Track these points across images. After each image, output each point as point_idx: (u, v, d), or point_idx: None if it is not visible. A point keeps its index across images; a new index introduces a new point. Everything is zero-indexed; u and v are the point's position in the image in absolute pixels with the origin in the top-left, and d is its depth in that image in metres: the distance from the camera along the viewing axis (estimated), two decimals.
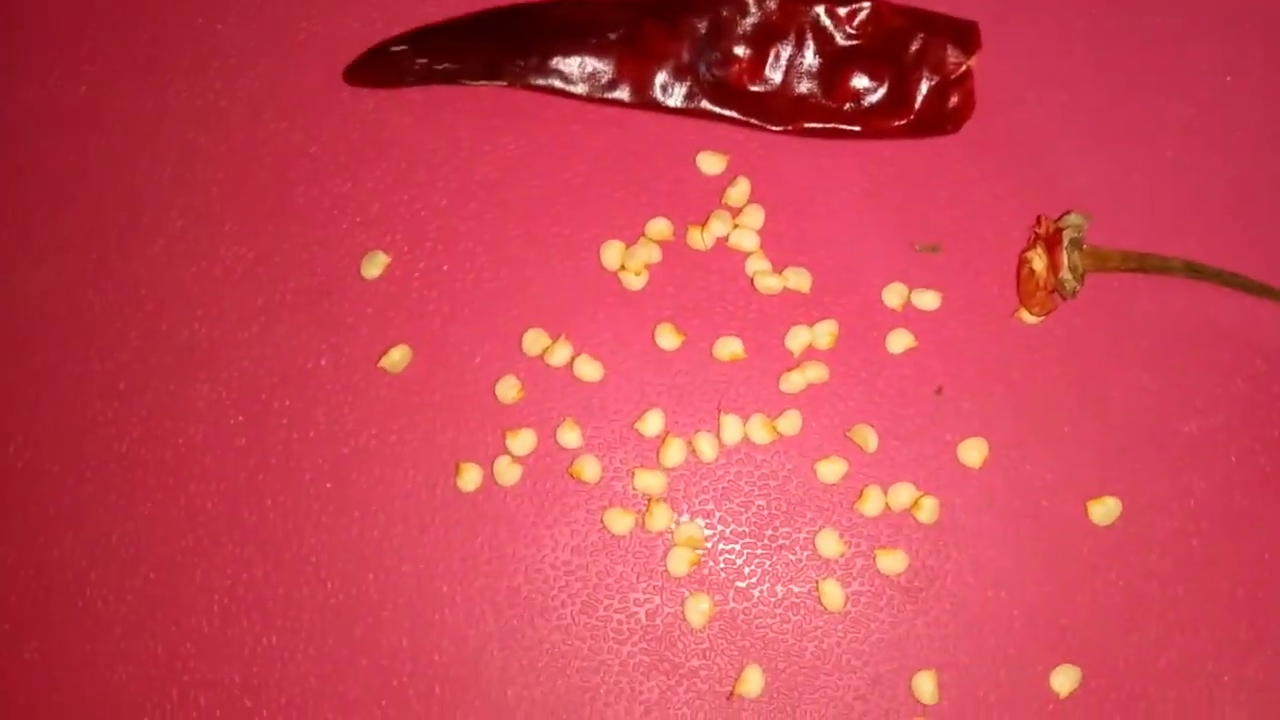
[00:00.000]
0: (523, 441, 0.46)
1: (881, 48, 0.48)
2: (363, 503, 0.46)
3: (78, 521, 0.46)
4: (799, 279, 0.47)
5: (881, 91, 0.48)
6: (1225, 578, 0.46)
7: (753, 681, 0.45)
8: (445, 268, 0.48)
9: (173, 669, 0.45)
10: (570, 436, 0.47)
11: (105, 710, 0.45)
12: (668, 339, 0.47)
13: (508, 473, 0.46)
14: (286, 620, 0.46)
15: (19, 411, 0.47)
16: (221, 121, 0.49)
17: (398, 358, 0.47)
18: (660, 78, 0.48)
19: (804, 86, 0.48)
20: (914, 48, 0.48)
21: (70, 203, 0.49)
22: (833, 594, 0.45)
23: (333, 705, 0.45)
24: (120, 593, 0.46)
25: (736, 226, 0.48)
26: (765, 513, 0.46)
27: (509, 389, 0.47)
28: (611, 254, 0.48)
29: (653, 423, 0.47)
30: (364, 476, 0.46)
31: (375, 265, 0.48)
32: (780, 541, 0.46)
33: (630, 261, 0.48)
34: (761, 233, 0.48)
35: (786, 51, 0.48)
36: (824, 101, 0.48)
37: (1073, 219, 0.46)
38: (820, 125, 0.48)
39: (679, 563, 0.46)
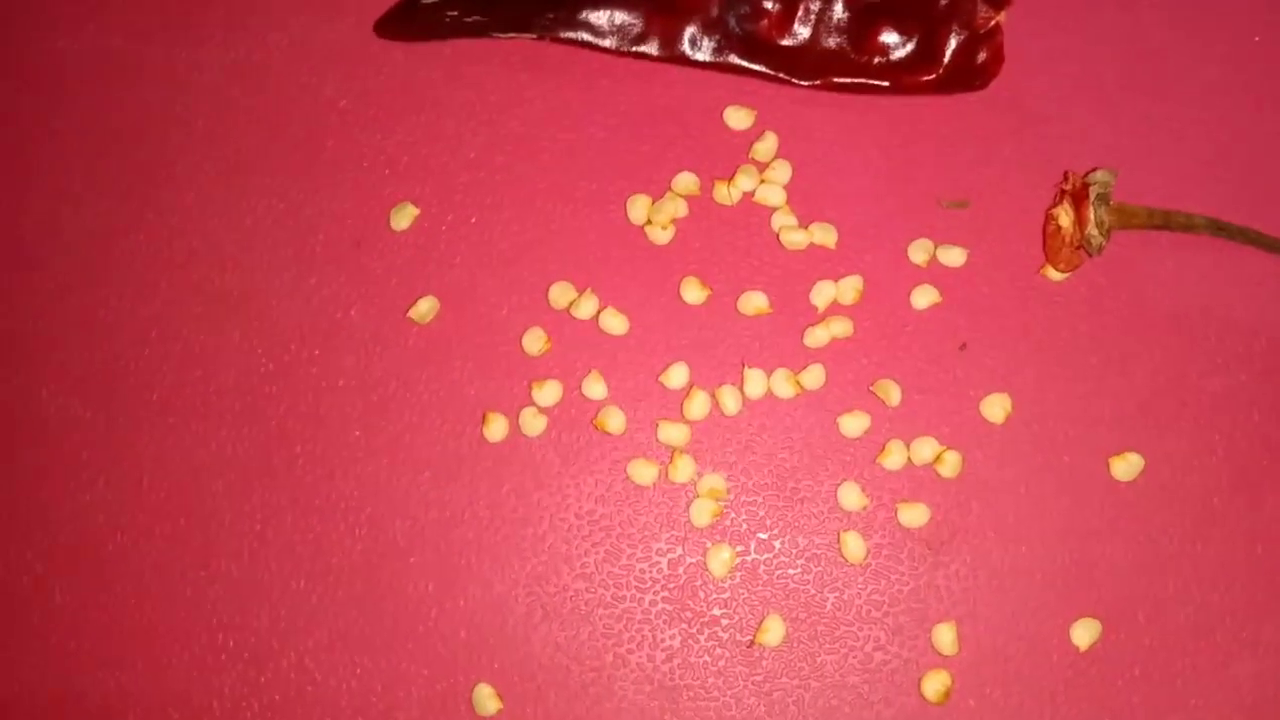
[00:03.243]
0: (549, 393, 0.47)
1: (910, 2, 0.48)
2: (390, 451, 0.47)
3: (109, 467, 0.47)
4: (825, 234, 0.48)
5: (910, 46, 0.48)
6: (1245, 536, 0.46)
7: (774, 631, 0.45)
8: (473, 220, 0.48)
9: (202, 611, 0.46)
10: (595, 388, 0.47)
11: (135, 652, 0.46)
12: (693, 293, 0.47)
13: (533, 423, 0.47)
14: (314, 565, 0.46)
15: (52, 359, 0.48)
16: (254, 74, 0.50)
17: (426, 309, 0.48)
18: (689, 31, 0.48)
19: (832, 41, 0.48)
20: (944, 2, 0.47)
21: (104, 154, 0.49)
22: (854, 546, 0.46)
23: (359, 648, 0.46)
24: (150, 537, 0.46)
25: (763, 181, 0.48)
26: (788, 465, 0.46)
27: (535, 341, 0.47)
28: (638, 208, 0.48)
29: (677, 376, 0.47)
30: (392, 425, 0.47)
31: (404, 217, 0.48)
32: (802, 494, 0.46)
33: (657, 216, 0.48)
34: (788, 188, 0.48)
35: (815, 6, 0.48)
36: (852, 56, 0.48)
37: (1100, 175, 0.46)
38: (848, 80, 0.48)
39: (701, 514, 0.46)
